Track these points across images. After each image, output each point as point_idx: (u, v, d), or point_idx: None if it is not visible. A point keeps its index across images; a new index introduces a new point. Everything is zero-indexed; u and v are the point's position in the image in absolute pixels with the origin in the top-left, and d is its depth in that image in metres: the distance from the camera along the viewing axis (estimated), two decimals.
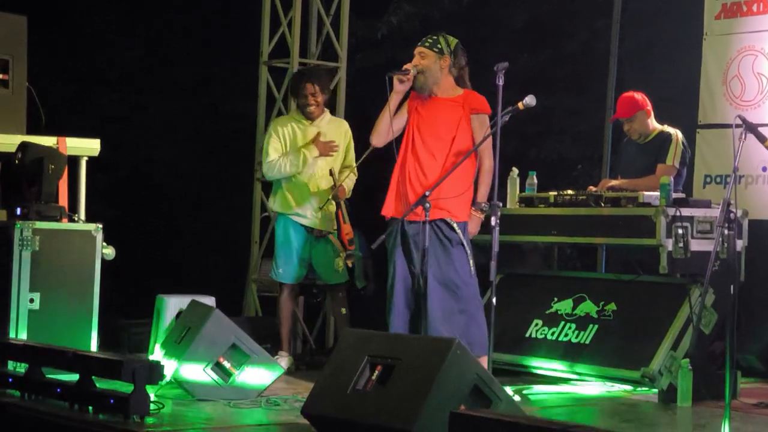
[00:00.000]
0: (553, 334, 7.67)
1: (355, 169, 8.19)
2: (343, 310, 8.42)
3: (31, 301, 7.36)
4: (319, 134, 8.08)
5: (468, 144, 7.06)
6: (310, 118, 8.16)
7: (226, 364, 6.78)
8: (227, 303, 8.12)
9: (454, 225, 6.98)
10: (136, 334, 8.74)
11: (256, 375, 6.84)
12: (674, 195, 7.26)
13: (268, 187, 8.64)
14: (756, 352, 8.10)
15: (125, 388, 6.04)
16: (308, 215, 8.11)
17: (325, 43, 9.98)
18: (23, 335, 7.30)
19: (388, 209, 7.15)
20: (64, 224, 7.58)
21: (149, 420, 5.97)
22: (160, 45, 13.89)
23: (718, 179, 8.51)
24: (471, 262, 7.00)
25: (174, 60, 13.87)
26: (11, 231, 7.34)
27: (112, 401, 6.02)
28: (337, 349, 6.00)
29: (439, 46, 7.13)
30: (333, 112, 9.58)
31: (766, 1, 8.36)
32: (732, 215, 6.02)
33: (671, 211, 7.10)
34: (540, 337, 7.73)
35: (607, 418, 6.71)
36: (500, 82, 6.57)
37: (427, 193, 6.66)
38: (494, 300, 6.46)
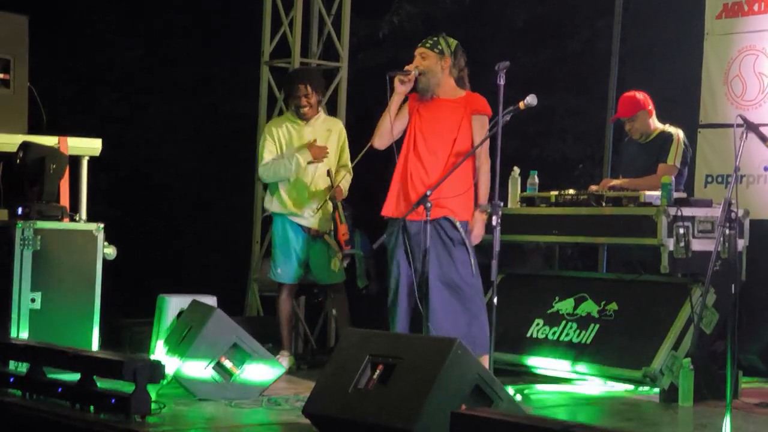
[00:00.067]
0: (554, 333, 7.67)
1: (350, 168, 8.19)
2: (334, 311, 8.40)
3: (33, 300, 7.36)
4: (315, 141, 8.09)
5: (468, 145, 7.06)
6: (304, 118, 8.17)
7: (228, 364, 6.78)
8: (228, 303, 8.12)
9: (457, 224, 6.98)
10: (137, 333, 8.74)
11: (258, 374, 6.84)
12: (675, 195, 7.26)
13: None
14: (757, 352, 8.10)
15: (126, 387, 6.04)
16: (306, 215, 8.12)
17: (326, 42, 9.98)
18: (24, 335, 7.30)
19: (389, 209, 7.15)
20: (66, 224, 7.59)
21: (150, 419, 5.97)
22: (160, 45, 13.90)
23: (720, 179, 8.51)
24: (473, 261, 7.00)
25: (174, 60, 13.88)
26: (13, 230, 7.35)
27: (113, 401, 6.02)
28: (339, 349, 6.00)
29: (439, 47, 7.13)
30: (334, 112, 9.61)
31: (767, 1, 8.36)
32: (733, 215, 6.01)
33: (672, 211, 7.09)
34: (541, 336, 7.72)
35: (609, 418, 6.71)
36: (501, 81, 6.57)
37: (428, 193, 6.66)
38: (495, 300, 6.46)
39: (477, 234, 7.05)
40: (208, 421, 6.23)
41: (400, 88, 7.11)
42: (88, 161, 8.15)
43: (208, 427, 6.10)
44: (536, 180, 7.99)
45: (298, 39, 9.60)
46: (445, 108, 7.14)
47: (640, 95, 7.89)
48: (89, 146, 8.16)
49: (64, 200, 7.84)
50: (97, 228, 7.57)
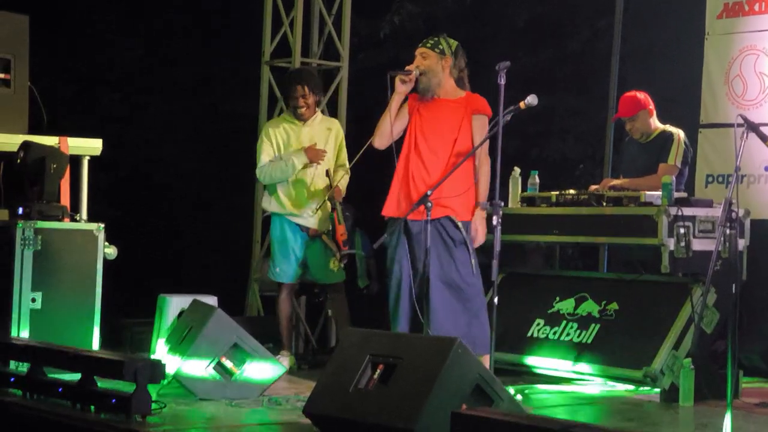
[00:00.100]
0: (555, 333, 7.67)
1: (348, 168, 8.19)
2: (329, 312, 8.39)
3: (33, 300, 7.36)
4: (315, 145, 8.09)
5: (469, 145, 7.06)
6: (302, 119, 8.18)
7: (228, 364, 6.78)
8: (228, 303, 8.12)
9: (459, 223, 6.98)
10: (137, 333, 8.74)
11: (258, 374, 6.84)
12: (676, 194, 7.26)
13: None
14: (758, 352, 8.10)
15: (127, 387, 6.04)
16: (305, 215, 8.12)
17: (326, 42, 9.98)
18: (25, 334, 7.30)
19: (390, 209, 7.15)
20: (66, 224, 7.58)
21: (151, 419, 5.96)
22: (160, 45, 13.91)
23: (720, 179, 8.51)
24: (473, 261, 7.00)
25: (174, 60, 13.89)
26: (13, 230, 7.34)
27: (114, 401, 6.02)
28: (339, 349, 6.00)
29: (440, 46, 7.13)
30: (334, 112, 9.61)
31: (767, 1, 8.36)
32: (734, 215, 6.01)
33: (673, 211, 7.09)
34: (542, 336, 7.72)
35: (609, 418, 6.71)
36: (502, 81, 6.57)
37: (428, 193, 6.66)
38: (496, 299, 6.46)
39: (482, 233, 7.03)
40: (209, 420, 6.23)
41: (401, 88, 7.10)
42: (89, 161, 8.15)
43: (209, 427, 6.10)
44: (537, 180, 7.99)
45: (299, 39, 9.60)
46: (446, 108, 7.13)
47: (640, 95, 7.89)
48: (90, 146, 8.15)
49: (65, 200, 7.84)
50: (98, 228, 7.57)
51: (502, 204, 6.64)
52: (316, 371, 7.73)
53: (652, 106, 7.88)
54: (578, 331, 7.55)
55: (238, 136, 11.24)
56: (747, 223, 7.38)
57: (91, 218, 7.87)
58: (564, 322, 7.67)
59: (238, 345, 6.81)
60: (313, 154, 8.05)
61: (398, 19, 12.60)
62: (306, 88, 8.14)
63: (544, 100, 6.85)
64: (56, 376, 6.60)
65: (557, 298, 7.80)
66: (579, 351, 7.46)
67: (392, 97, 7.11)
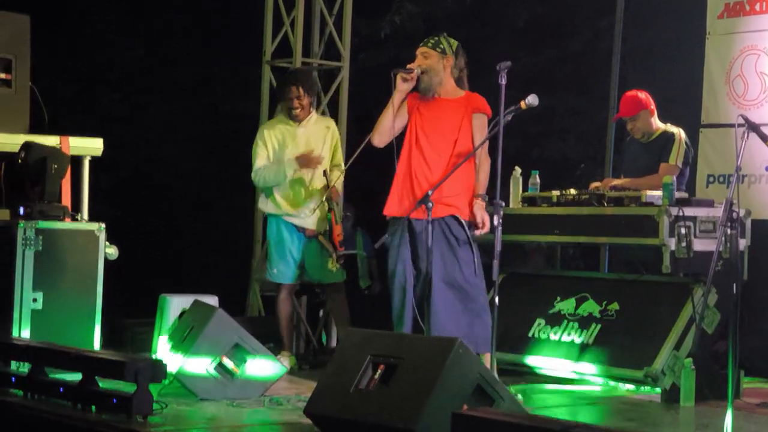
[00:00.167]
0: (555, 333, 7.67)
1: (343, 168, 8.18)
2: (321, 312, 8.37)
3: (34, 300, 7.36)
4: (312, 151, 8.08)
5: (469, 145, 7.06)
6: (296, 120, 8.18)
7: (229, 364, 6.78)
8: (228, 303, 8.11)
9: (463, 222, 6.97)
10: (138, 333, 8.73)
11: (259, 374, 6.83)
12: (677, 194, 7.25)
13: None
14: (759, 352, 8.09)
15: (128, 387, 6.04)
16: (302, 215, 8.11)
17: (327, 42, 9.98)
18: (26, 335, 7.30)
19: (392, 208, 7.14)
20: (67, 224, 7.58)
21: (152, 419, 5.97)
22: (160, 45, 13.91)
23: (721, 179, 8.51)
24: (476, 261, 6.99)
25: (174, 60, 13.89)
26: (14, 230, 7.34)
27: (114, 401, 6.02)
28: (340, 349, 6.00)
29: (441, 46, 7.13)
30: (335, 112, 9.61)
31: None
32: (735, 215, 6.01)
33: (674, 211, 7.09)
34: (543, 336, 7.72)
35: (610, 418, 6.72)
36: (503, 81, 6.57)
37: (429, 192, 6.65)
38: (497, 299, 6.46)
39: (487, 220, 6.97)
40: (210, 420, 6.23)
41: (403, 86, 7.11)
42: (90, 161, 8.14)
43: (210, 427, 6.10)
44: (538, 180, 7.98)
45: (300, 39, 9.59)
46: (447, 107, 7.13)
47: (641, 95, 7.89)
48: (91, 146, 8.15)
49: (66, 200, 7.84)
50: (99, 228, 7.57)
51: (503, 204, 6.64)
52: (316, 371, 7.73)
53: (653, 106, 7.88)
54: (579, 331, 7.55)
55: (238, 136, 11.21)
56: (748, 223, 7.38)
57: (92, 218, 7.87)
58: (565, 322, 7.67)
59: (239, 345, 6.81)
60: (306, 162, 8.04)
61: (399, 19, 12.60)
62: (301, 89, 8.14)
63: (544, 100, 6.85)
64: (57, 376, 6.60)
65: (558, 298, 7.80)
66: (580, 351, 7.46)
67: (393, 94, 7.11)
